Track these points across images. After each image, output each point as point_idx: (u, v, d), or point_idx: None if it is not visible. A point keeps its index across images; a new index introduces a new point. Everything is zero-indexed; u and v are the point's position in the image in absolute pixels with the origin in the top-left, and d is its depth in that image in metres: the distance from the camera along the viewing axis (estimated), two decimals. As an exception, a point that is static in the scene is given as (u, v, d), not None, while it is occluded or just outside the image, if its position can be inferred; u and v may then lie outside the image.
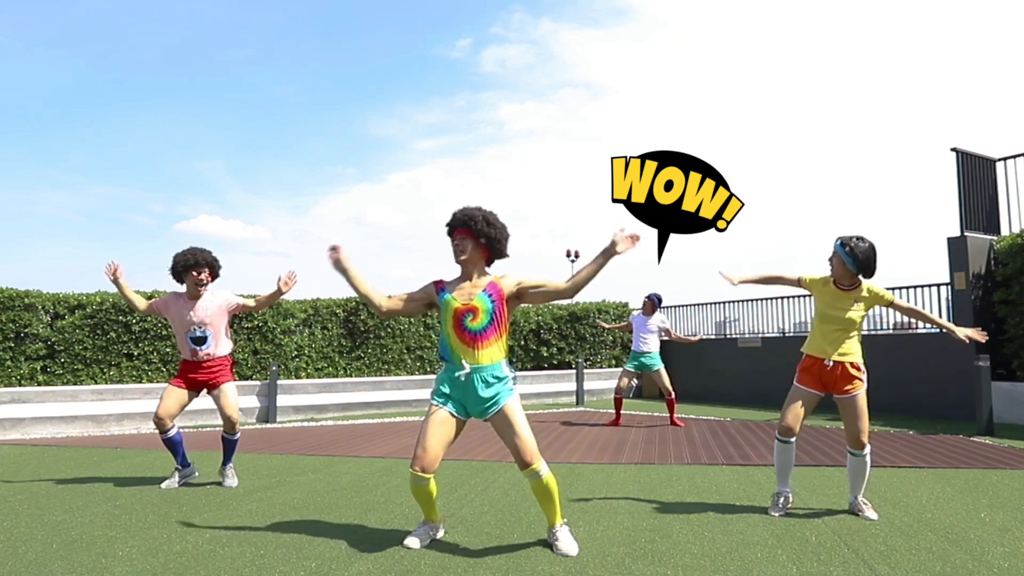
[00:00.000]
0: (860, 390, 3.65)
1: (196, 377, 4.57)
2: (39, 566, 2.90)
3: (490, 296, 3.09)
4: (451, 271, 3.31)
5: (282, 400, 9.49)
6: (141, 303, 4.62)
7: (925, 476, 4.75)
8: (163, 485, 4.58)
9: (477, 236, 3.14)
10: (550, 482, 3.03)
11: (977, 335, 3.66)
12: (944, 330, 3.78)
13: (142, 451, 6.38)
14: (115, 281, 4.52)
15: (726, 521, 3.55)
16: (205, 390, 4.64)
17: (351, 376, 10.90)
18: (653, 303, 8.24)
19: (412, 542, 3.14)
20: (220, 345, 4.63)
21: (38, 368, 8.94)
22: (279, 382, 9.48)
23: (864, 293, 3.70)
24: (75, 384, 9.02)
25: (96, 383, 9.14)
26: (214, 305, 4.62)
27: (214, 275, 4.68)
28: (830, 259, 3.74)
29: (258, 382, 9.59)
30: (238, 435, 4.69)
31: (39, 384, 8.83)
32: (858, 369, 3.67)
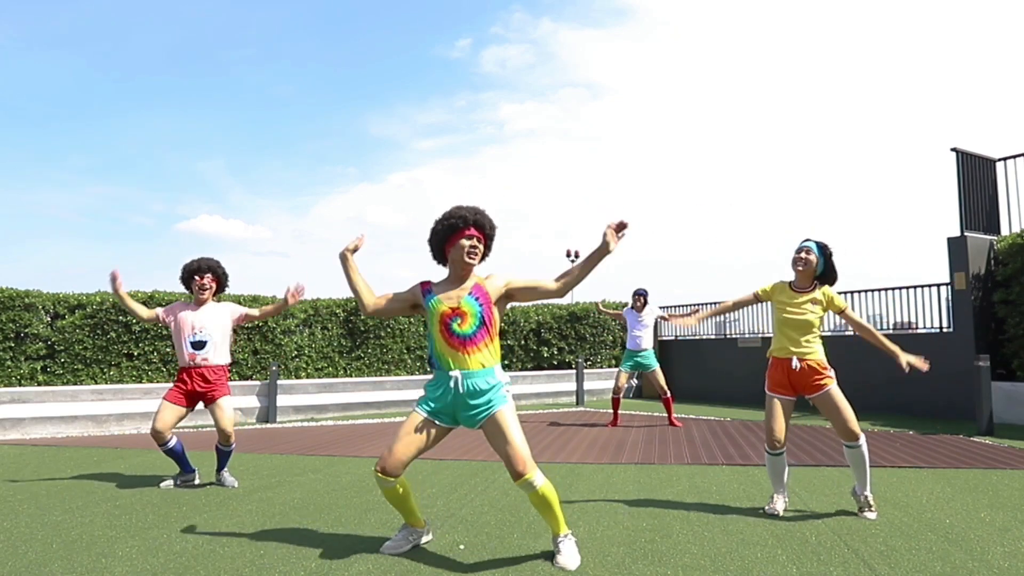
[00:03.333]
0: (832, 384, 3.69)
1: (195, 388, 4.54)
2: (39, 566, 2.90)
3: (476, 299, 2.94)
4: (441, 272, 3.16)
5: (282, 400, 9.49)
6: (143, 311, 4.64)
7: (925, 476, 4.75)
8: (162, 485, 4.59)
9: (488, 239, 3.05)
10: (547, 492, 2.85)
11: (920, 364, 3.65)
12: (889, 354, 3.72)
13: (142, 451, 6.37)
14: (115, 291, 4.51)
15: (726, 521, 3.55)
16: (201, 403, 4.61)
17: (351, 376, 10.90)
18: (644, 298, 8.23)
19: (388, 548, 3.05)
20: (219, 352, 4.63)
21: (38, 368, 8.94)
22: (279, 382, 9.48)
23: (819, 296, 3.78)
24: (75, 384, 9.01)
25: (96, 383, 9.14)
26: (218, 313, 4.65)
27: (218, 282, 4.72)
28: (801, 260, 3.77)
29: (258, 382, 9.59)
30: (233, 446, 4.66)
31: (39, 384, 8.83)
32: (823, 367, 3.72)
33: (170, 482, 4.62)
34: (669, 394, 8.18)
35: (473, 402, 2.90)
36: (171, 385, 4.66)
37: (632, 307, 8.29)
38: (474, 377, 2.89)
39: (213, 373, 4.58)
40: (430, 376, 3.37)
